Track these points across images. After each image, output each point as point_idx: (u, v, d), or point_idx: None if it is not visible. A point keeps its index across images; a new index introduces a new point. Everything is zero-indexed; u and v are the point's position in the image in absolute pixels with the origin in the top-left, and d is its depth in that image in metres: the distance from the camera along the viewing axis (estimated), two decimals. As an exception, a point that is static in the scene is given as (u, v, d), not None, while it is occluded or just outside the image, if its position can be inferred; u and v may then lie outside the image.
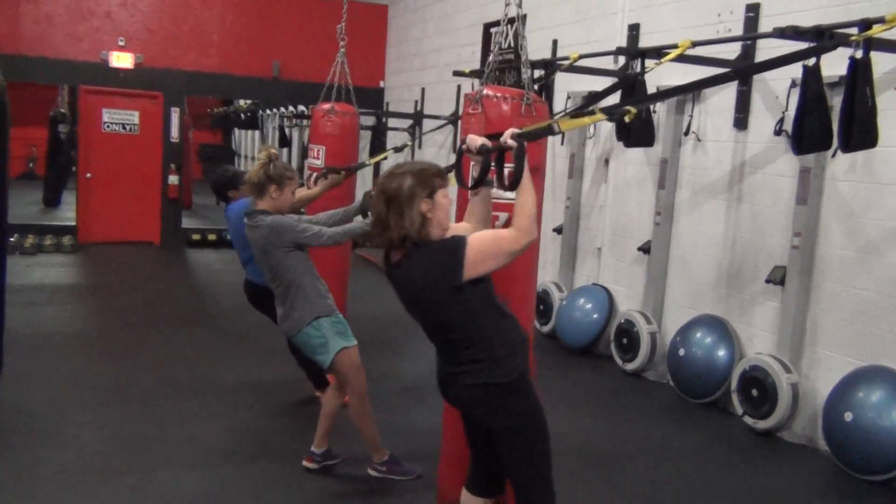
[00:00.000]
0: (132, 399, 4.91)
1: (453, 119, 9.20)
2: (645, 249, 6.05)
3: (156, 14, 10.55)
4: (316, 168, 5.03)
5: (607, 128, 6.58)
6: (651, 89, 5.26)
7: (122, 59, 10.33)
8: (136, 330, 6.59)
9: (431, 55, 10.31)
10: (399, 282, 2.60)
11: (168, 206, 10.89)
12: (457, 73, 7.47)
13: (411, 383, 5.49)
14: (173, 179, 10.77)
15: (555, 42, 7.29)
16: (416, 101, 10.50)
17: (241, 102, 17.12)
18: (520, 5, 3.21)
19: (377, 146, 10.30)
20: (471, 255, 2.44)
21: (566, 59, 5.84)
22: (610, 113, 3.08)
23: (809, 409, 4.75)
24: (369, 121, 10.37)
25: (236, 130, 21.22)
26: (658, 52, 4.91)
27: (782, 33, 3.77)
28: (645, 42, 6.06)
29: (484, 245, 2.47)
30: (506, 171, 2.65)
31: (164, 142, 10.78)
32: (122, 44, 10.31)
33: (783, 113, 4.87)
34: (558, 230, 7.09)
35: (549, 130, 2.78)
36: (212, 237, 11.18)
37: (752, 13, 5.19)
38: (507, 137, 2.57)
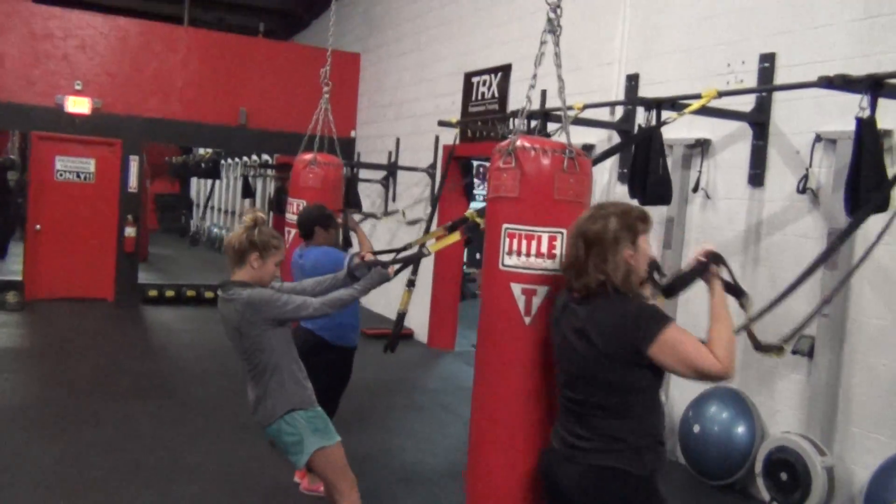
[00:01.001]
0: (79, 489, 4.24)
1: (431, 171, 8.82)
2: (649, 313, 5.61)
3: (116, 57, 9.95)
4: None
5: (604, 179, 6.19)
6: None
7: (78, 105, 9.67)
8: (87, 401, 5.89)
9: (407, 105, 9.90)
10: (575, 318, 2.30)
11: (123, 259, 10.13)
12: (442, 124, 7.03)
13: (399, 468, 4.88)
14: (130, 232, 10.03)
15: (543, 92, 6.90)
16: (391, 152, 10.07)
17: (202, 151, 16.53)
18: (557, 43, 2.80)
19: (350, 197, 9.79)
20: (667, 337, 2.19)
21: (569, 108, 5.42)
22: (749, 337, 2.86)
23: (845, 496, 4.29)
24: (341, 172, 9.90)
25: (194, 179, 20.55)
26: (673, 104, 4.55)
27: (830, 83, 3.40)
28: (644, 93, 5.71)
29: (681, 342, 2.20)
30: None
31: (122, 191, 10.08)
32: (79, 87, 9.68)
33: (807, 169, 4.51)
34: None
35: (738, 294, 2.54)
36: (170, 293, 10.45)
37: (767, 63, 4.86)
38: (703, 254, 2.41)
